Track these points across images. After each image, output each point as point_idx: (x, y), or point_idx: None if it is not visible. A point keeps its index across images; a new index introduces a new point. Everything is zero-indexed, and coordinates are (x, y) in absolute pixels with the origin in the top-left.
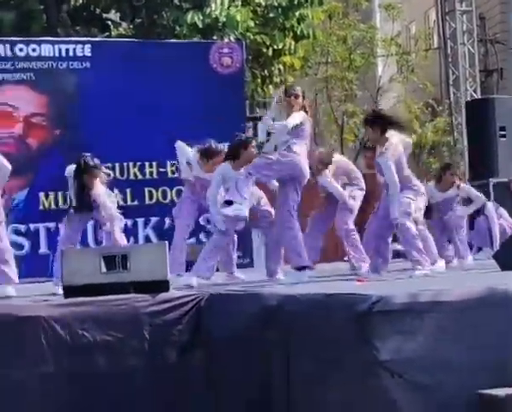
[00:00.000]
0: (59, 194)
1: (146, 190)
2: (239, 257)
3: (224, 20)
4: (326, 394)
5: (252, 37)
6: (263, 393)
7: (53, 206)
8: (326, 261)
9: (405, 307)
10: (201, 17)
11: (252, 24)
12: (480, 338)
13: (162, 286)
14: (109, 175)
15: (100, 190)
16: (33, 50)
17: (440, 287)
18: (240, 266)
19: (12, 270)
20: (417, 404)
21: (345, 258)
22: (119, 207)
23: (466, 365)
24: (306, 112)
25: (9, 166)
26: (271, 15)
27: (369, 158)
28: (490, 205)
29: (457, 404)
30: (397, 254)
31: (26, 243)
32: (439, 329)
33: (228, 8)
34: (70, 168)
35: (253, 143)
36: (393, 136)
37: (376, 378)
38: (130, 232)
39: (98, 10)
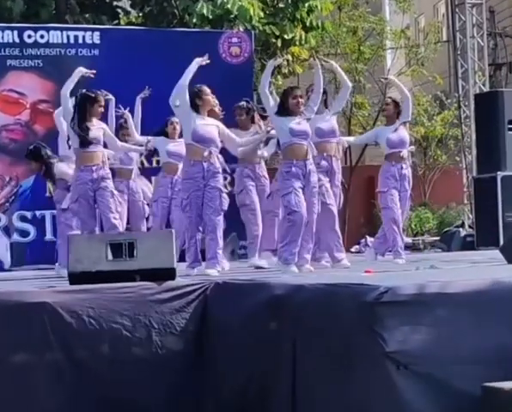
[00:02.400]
0: None
1: (153, 178)
2: (244, 246)
3: (237, 13)
4: (332, 384)
5: (261, 28)
6: (269, 383)
7: None
8: None
9: (412, 298)
10: (211, 7)
11: (261, 14)
12: (486, 331)
13: (169, 274)
14: None
15: None
16: (42, 36)
17: (447, 279)
18: (244, 256)
19: None
20: (423, 396)
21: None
22: None
23: (472, 357)
24: None
25: None
26: (281, 5)
27: None
28: None
29: (463, 397)
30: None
31: (32, 230)
32: (445, 320)
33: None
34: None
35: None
36: None
37: (382, 369)
38: None
39: None
